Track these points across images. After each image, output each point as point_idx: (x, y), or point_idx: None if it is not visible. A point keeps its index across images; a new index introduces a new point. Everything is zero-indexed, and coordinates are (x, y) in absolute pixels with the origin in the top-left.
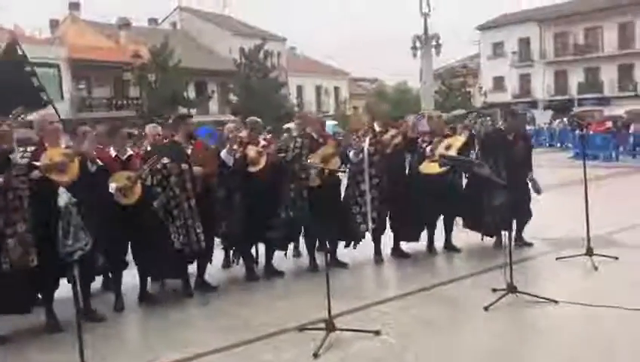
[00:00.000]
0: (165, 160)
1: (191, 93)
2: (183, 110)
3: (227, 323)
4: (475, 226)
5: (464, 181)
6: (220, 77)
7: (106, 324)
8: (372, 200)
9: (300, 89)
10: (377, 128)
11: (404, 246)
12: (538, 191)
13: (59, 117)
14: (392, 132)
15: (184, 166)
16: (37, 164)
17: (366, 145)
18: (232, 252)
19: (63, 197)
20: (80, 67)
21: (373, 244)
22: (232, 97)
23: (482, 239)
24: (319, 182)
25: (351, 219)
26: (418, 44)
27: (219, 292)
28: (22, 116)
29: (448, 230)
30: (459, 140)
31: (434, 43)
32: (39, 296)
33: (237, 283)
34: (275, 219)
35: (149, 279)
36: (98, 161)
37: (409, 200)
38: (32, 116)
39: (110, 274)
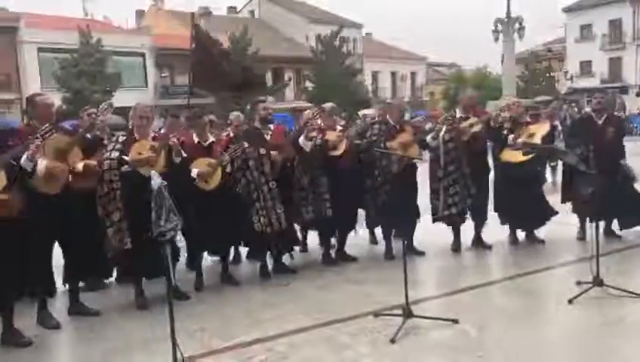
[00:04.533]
0: (245, 145)
1: (268, 80)
2: (260, 97)
3: (305, 306)
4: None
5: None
6: (296, 64)
7: (189, 302)
8: (446, 187)
9: (375, 75)
10: (458, 114)
11: (486, 235)
12: (632, 178)
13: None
14: (472, 120)
15: (262, 150)
16: (126, 158)
17: (442, 132)
18: (318, 236)
19: (156, 181)
20: (163, 56)
21: (452, 233)
22: (308, 84)
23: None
24: (396, 169)
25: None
26: (500, 28)
27: (296, 275)
28: (110, 108)
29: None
30: (542, 128)
31: (517, 26)
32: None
33: (314, 268)
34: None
35: (229, 260)
36: (182, 153)
37: (489, 189)
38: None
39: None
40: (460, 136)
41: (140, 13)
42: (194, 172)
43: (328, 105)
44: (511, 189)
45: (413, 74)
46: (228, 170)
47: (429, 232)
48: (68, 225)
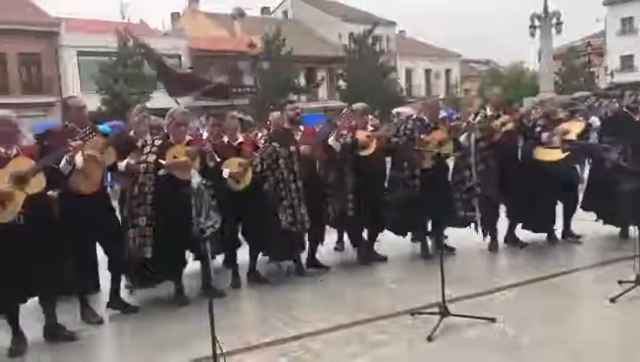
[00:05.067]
0: (275, 144)
1: (301, 80)
2: (293, 97)
3: (340, 303)
4: (605, 217)
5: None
6: (328, 63)
7: (226, 300)
8: (475, 186)
9: (409, 72)
10: (489, 112)
11: (521, 234)
12: None
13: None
14: (504, 118)
15: (292, 149)
16: (163, 162)
17: (473, 131)
18: (345, 235)
19: (195, 180)
20: (199, 57)
21: (488, 231)
22: (341, 83)
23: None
24: (429, 165)
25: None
26: (537, 23)
27: (331, 273)
28: (144, 111)
29: (567, 219)
30: (577, 126)
31: (554, 21)
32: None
33: (347, 266)
34: (394, 200)
35: (259, 257)
36: (216, 158)
37: (523, 187)
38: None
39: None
40: (492, 135)
41: (175, 16)
42: (225, 172)
43: (359, 105)
44: (542, 188)
45: (447, 71)
46: (258, 169)
47: (464, 230)
48: (105, 224)
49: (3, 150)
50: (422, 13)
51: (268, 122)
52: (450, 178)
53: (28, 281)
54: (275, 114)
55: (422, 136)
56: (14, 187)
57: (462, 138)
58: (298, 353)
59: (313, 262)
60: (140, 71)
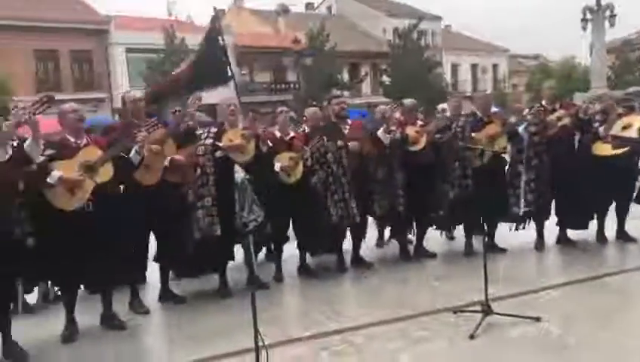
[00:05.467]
0: (324, 139)
1: (344, 75)
2: (336, 92)
3: (381, 299)
4: None
5: None
6: (372, 58)
7: (269, 292)
8: (528, 182)
9: (454, 67)
10: (544, 106)
11: (571, 233)
12: None
13: (237, 94)
14: (559, 113)
15: (340, 143)
16: (219, 144)
17: (526, 124)
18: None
19: (239, 175)
20: (243, 54)
21: (535, 229)
22: (385, 78)
23: None
24: (480, 162)
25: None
26: (589, 16)
27: (373, 269)
28: (198, 102)
29: (621, 218)
30: (638, 119)
31: (607, 14)
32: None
33: (390, 263)
34: (442, 198)
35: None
36: (269, 142)
37: (577, 184)
38: (214, 98)
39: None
40: (547, 130)
41: (220, 13)
42: (277, 166)
43: (408, 101)
44: (596, 186)
45: (494, 66)
46: (308, 163)
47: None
48: (162, 216)
49: (73, 140)
50: (468, 6)
51: (304, 117)
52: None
53: (90, 269)
54: (311, 109)
55: (472, 135)
56: (84, 175)
57: (520, 129)
58: (339, 347)
59: (357, 258)
60: None
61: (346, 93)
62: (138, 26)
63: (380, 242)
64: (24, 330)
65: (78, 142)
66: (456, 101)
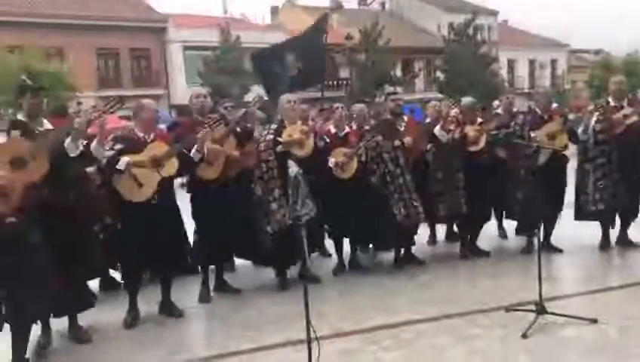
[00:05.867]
0: (378, 137)
1: (397, 71)
2: (389, 89)
3: (432, 296)
4: None
5: None
6: (426, 54)
7: (321, 286)
8: (595, 181)
9: (511, 63)
10: (612, 103)
11: (632, 234)
12: None
13: (322, 93)
14: (627, 110)
15: (396, 142)
16: (279, 139)
17: (592, 122)
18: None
19: (293, 168)
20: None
21: (600, 230)
22: (439, 74)
23: None
24: (544, 159)
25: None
26: None
27: (424, 266)
28: (258, 101)
29: None
30: None
31: None
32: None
33: (442, 260)
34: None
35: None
36: (325, 138)
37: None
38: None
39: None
40: (613, 128)
41: (274, 10)
42: (331, 161)
43: (468, 99)
44: None
45: (553, 61)
46: (362, 159)
47: (570, 227)
48: (225, 209)
49: (142, 135)
50: (527, 1)
51: (353, 114)
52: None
53: (154, 259)
54: (358, 106)
55: (531, 134)
56: (152, 169)
57: (579, 130)
58: (388, 341)
59: (409, 256)
60: (240, 64)
61: (399, 89)
62: (195, 24)
63: (431, 240)
64: (89, 313)
65: (146, 137)
66: (507, 102)
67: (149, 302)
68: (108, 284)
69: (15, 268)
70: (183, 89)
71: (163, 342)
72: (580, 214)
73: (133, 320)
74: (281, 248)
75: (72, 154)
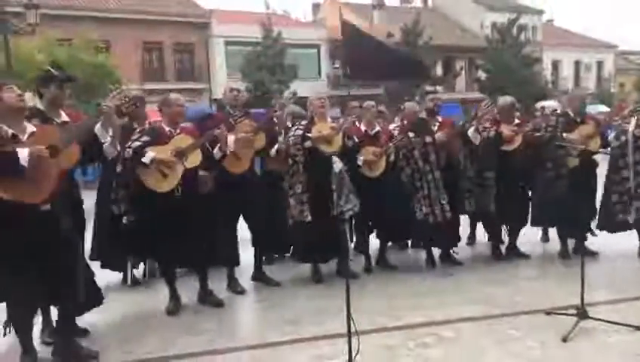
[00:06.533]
0: (410, 134)
1: (438, 69)
2: (429, 88)
3: (471, 296)
4: None
5: None
6: (468, 53)
7: (359, 281)
8: (636, 187)
9: (555, 64)
10: None
11: None
12: None
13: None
14: None
15: (428, 139)
16: (309, 135)
17: (631, 127)
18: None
19: (338, 165)
20: (338, 47)
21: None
22: (481, 74)
23: None
24: (576, 162)
25: (608, 207)
26: None
27: (463, 267)
28: (293, 96)
29: None
30: None
31: None
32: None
33: (481, 261)
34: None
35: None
36: (355, 137)
37: None
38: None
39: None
40: None
41: (316, 6)
42: (360, 159)
43: (506, 98)
44: None
45: (599, 63)
46: (392, 158)
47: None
48: (252, 203)
49: (168, 128)
50: (573, 1)
51: (402, 107)
52: (605, 178)
53: (184, 249)
54: (410, 103)
55: (564, 135)
56: (175, 160)
57: (611, 136)
58: (427, 339)
59: (445, 255)
60: (281, 60)
61: (439, 88)
62: (237, 20)
63: (470, 240)
64: (132, 301)
65: (172, 130)
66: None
67: (190, 290)
68: (151, 272)
69: (51, 253)
70: (224, 83)
71: (202, 330)
72: (610, 224)
73: (174, 306)
74: (311, 242)
75: (103, 141)
